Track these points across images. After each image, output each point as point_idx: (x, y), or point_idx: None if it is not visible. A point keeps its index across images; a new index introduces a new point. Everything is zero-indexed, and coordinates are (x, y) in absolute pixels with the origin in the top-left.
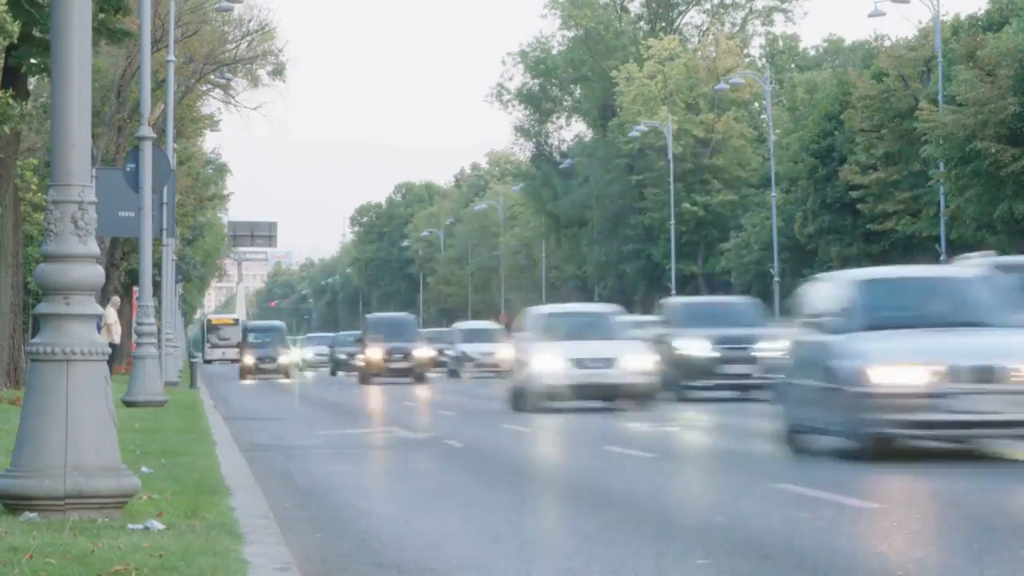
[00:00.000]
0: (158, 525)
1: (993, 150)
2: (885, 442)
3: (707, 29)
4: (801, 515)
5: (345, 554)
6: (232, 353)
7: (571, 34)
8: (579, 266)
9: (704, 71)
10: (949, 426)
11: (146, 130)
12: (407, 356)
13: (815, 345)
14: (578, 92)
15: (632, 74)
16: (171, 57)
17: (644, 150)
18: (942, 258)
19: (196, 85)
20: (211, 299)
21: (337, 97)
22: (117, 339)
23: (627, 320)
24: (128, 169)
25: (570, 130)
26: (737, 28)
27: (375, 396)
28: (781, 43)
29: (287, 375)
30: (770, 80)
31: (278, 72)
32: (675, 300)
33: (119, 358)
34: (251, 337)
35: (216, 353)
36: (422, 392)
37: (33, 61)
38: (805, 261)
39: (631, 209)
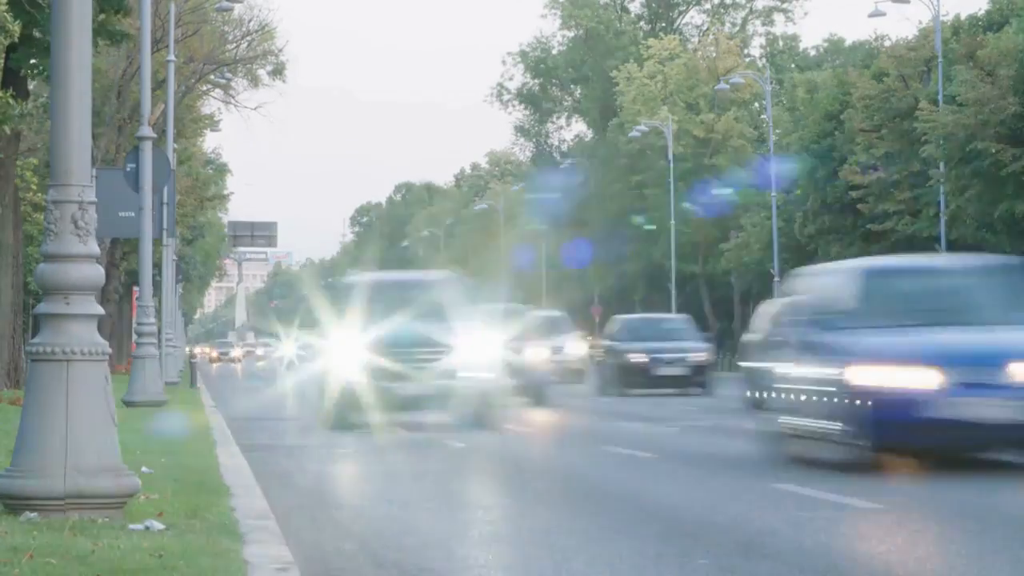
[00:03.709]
0: (158, 525)
1: (993, 150)
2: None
3: (707, 29)
4: (801, 515)
5: (345, 554)
6: None
7: (571, 34)
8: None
9: (704, 71)
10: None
11: (146, 130)
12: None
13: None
14: (578, 92)
15: (632, 74)
16: (171, 57)
17: (644, 150)
18: None
19: (196, 85)
20: (211, 299)
21: (337, 97)
22: None
23: None
24: (128, 169)
25: (570, 130)
26: (737, 28)
27: None
28: (781, 43)
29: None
30: (770, 80)
31: (278, 72)
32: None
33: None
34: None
35: None
36: None
37: (33, 62)
38: (805, 261)
39: (631, 209)
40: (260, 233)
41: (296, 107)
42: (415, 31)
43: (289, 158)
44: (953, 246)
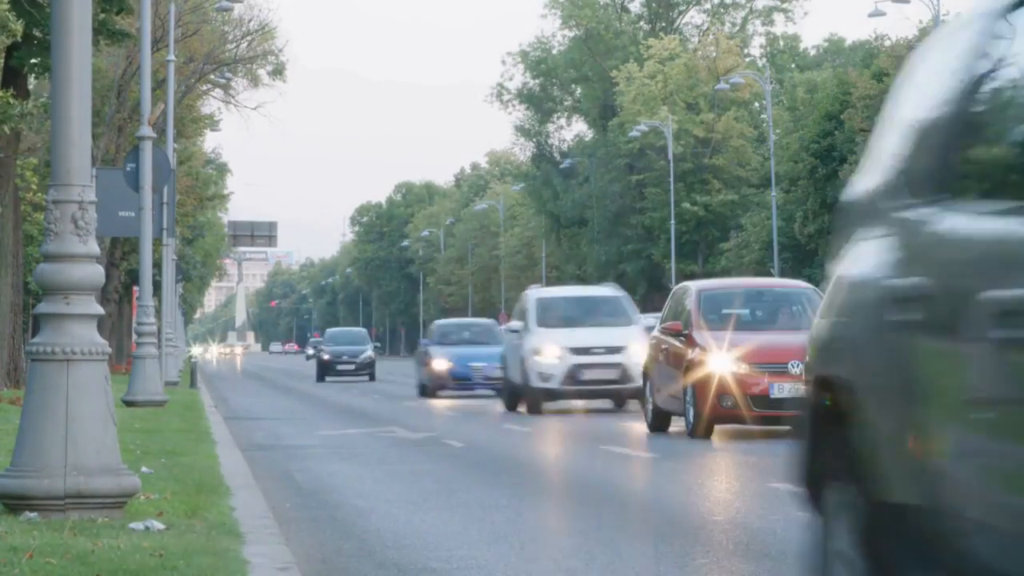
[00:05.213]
0: (158, 525)
1: None
2: None
3: (707, 29)
4: (801, 515)
5: (345, 554)
6: None
7: (571, 34)
8: (579, 266)
9: (704, 71)
10: None
11: (146, 130)
12: None
13: None
14: (578, 92)
15: (632, 74)
16: (171, 57)
17: (644, 150)
18: None
19: (196, 85)
20: (211, 299)
21: (337, 97)
22: None
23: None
24: (128, 169)
25: (570, 130)
26: (737, 28)
27: (375, 397)
28: (781, 43)
29: None
30: (770, 80)
31: (278, 72)
32: None
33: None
34: None
35: None
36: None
37: (33, 61)
38: (805, 261)
39: (631, 209)
40: (260, 233)
41: (298, 92)
42: (416, 31)
43: (291, 146)
44: None
